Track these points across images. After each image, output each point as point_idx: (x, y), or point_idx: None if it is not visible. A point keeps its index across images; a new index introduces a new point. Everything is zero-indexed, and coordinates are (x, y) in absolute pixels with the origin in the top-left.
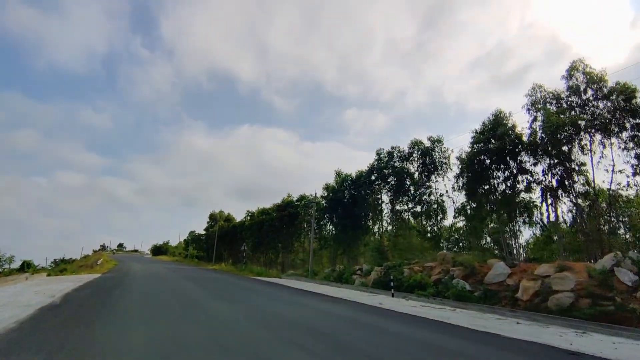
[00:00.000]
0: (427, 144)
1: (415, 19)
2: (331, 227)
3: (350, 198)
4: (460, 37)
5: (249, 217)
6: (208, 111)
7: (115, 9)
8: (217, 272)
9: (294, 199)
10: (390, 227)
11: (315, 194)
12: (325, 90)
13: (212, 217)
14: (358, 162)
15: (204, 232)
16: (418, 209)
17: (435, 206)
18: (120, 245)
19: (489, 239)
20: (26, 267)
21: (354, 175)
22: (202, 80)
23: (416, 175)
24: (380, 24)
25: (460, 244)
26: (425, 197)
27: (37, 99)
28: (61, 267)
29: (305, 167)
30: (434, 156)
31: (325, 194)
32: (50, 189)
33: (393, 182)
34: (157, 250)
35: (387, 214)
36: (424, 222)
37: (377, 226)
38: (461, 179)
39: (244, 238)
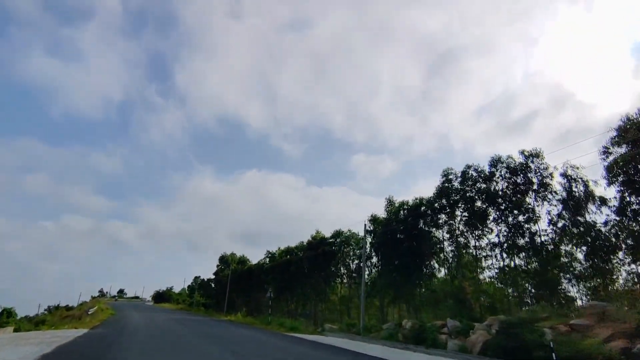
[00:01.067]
0: (519, 158)
1: (421, 68)
2: (378, 268)
3: (406, 231)
4: (465, 85)
5: (268, 259)
6: (217, 156)
7: (133, 59)
8: (237, 326)
9: (326, 236)
10: (457, 267)
11: (364, 231)
12: (333, 136)
13: (223, 260)
14: (365, 207)
15: (213, 277)
16: (520, 241)
17: (544, 238)
18: (121, 292)
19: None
20: (6, 316)
21: (410, 202)
22: (212, 125)
23: (500, 199)
24: (387, 72)
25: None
26: (526, 225)
27: (50, 143)
28: (40, 318)
29: (312, 212)
30: (529, 175)
31: (371, 228)
32: (56, 233)
33: (468, 209)
34: (160, 297)
35: (454, 251)
36: (529, 259)
37: (443, 266)
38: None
39: (265, 282)
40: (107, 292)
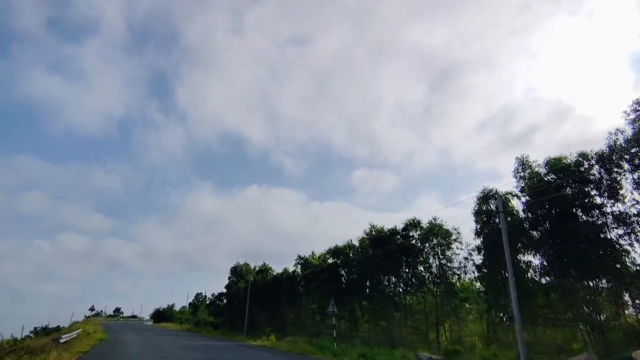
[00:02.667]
0: None
1: (422, 84)
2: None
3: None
4: (466, 100)
5: (299, 265)
6: (217, 172)
7: (135, 77)
8: (288, 358)
9: (397, 228)
10: None
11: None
12: (334, 152)
13: (236, 271)
14: (367, 222)
15: (225, 291)
16: None
17: None
18: (117, 310)
19: None
20: None
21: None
22: (212, 143)
23: None
24: (388, 88)
25: None
26: None
27: (49, 160)
28: None
29: (313, 230)
30: None
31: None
32: (52, 253)
33: None
34: (160, 315)
35: None
36: None
37: None
38: None
39: (300, 294)
40: (102, 312)
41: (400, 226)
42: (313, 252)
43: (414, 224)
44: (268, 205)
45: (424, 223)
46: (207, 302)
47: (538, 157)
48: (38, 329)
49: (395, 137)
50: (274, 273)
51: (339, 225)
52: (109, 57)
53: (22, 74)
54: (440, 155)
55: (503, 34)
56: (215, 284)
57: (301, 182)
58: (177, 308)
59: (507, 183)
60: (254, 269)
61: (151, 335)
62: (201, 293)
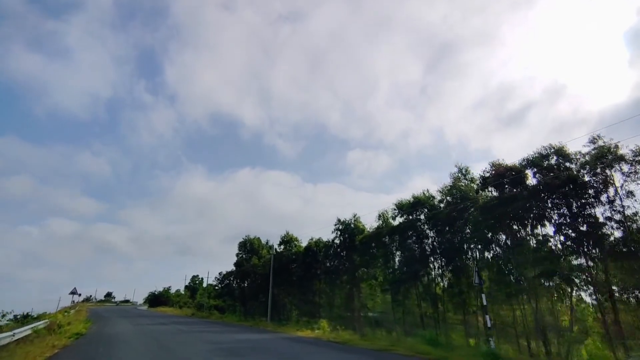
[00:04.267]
0: None
1: (419, 63)
2: None
3: None
4: (463, 78)
5: (339, 232)
6: (209, 155)
7: (122, 55)
8: None
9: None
10: None
11: None
12: (328, 133)
13: (245, 247)
14: (361, 204)
15: (234, 269)
16: None
17: None
18: (109, 295)
19: None
20: None
21: None
22: (204, 124)
23: None
24: (385, 69)
25: None
26: None
27: (34, 142)
28: None
29: (306, 212)
30: None
31: None
32: (40, 238)
33: None
34: (155, 299)
35: None
36: None
37: None
38: None
39: (346, 268)
40: (92, 296)
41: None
42: (356, 215)
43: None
44: (261, 188)
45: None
46: (210, 284)
47: None
48: (18, 316)
49: (390, 117)
50: (301, 245)
51: (333, 207)
52: (94, 34)
53: (1, 51)
54: (434, 136)
55: (505, 6)
56: (210, 268)
57: (295, 164)
58: (175, 291)
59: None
60: (266, 243)
61: (150, 324)
62: (197, 275)
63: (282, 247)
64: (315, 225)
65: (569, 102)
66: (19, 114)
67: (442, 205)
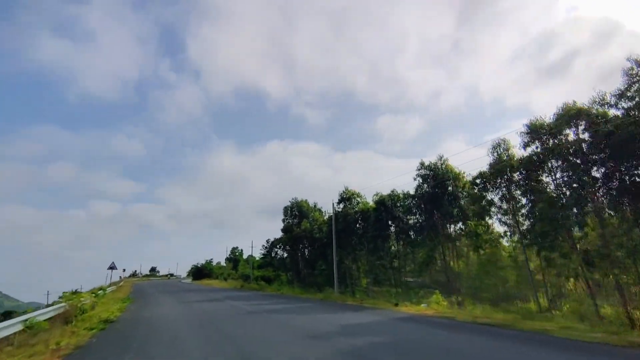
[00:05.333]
0: None
1: (451, 15)
2: None
3: None
4: (499, 29)
5: (420, 178)
6: (236, 130)
7: (144, 34)
8: None
9: None
10: None
11: None
12: (356, 99)
13: (291, 212)
14: (391, 170)
15: (282, 236)
16: None
17: None
18: (153, 270)
19: None
20: None
21: None
22: (229, 99)
23: None
24: (413, 25)
25: None
26: None
27: (71, 129)
28: None
29: (336, 182)
30: None
31: None
32: (87, 221)
33: None
34: (199, 272)
35: None
36: None
37: None
38: None
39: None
40: (137, 272)
41: None
42: (443, 157)
43: None
44: (290, 160)
45: None
46: (251, 255)
47: None
48: (66, 292)
49: (420, 77)
50: (366, 201)
51: (363, 174)
52: (115, 14)
53: (28, 40)
54: (468, 94)
55: None
56: (245, 240)
57: (323, 134)
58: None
59: None
60: (314, 206)
61: (201, 301)
62: (237, 247)
63: (340, 205)
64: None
65: (622, 44)
66: (54, 102)
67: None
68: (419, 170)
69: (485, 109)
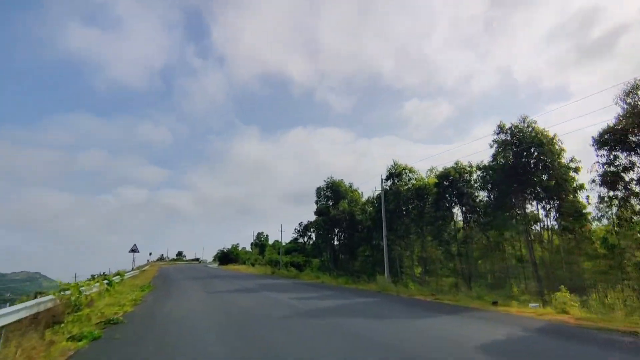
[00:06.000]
0: None
1: None
2: None
3: None
4: (535, 7)
5: (497, 145)
6: (260, 116)
7: (170, 20)
8: None
9: None
10: None
11: None
12: (382, 84)
13: (324, 193)
14: (417, 156)
15: (316, 219)
16: None
17: None
18: (180, 254)
19: None
20: None
21: None
22: (254, 85)
23: None
24: (442, 5)
25: None
26: None
27: (100, 116)
28: None
29: (360, 168)
30: None
31: None
32: (116, 206)
33: None
34: (225, 257)
35: None
36: None
37: None
38: None
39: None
40: (163, 256)
41: None
42: (527, 118)
43: None
44: (314, 146)
45: None
46: (277, 240)
47: None
48: (95, 275)
49: (449, 59)
50: (422, 176)
51: (388, 161)
52: (142, 0)
53: (59, 29)
54: (500, 76)
55: None
56: (269, 226)
57: (347, 119)
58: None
59: None
60: (350, 186)
61: (232, 291)
62: (262, 232)
63: (388, 182)
64: (371, 179)
65: None
66: (84, 90)
67: None
68: (497, 134)
69: (518, 92)
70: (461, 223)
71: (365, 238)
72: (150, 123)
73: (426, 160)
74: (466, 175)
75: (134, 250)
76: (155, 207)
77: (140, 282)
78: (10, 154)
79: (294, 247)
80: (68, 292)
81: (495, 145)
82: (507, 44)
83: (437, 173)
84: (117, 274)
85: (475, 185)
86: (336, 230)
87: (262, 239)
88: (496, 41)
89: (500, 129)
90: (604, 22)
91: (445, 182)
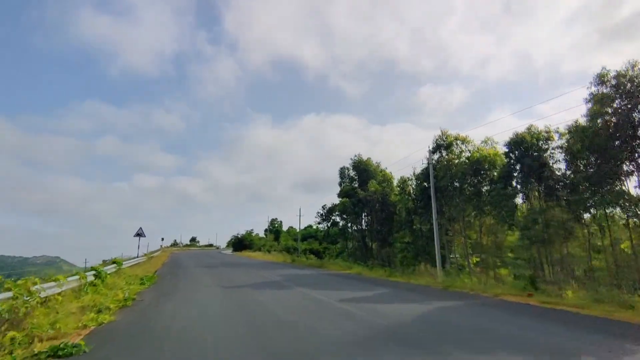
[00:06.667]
0: None
1: None
2: None
3: None
4: None
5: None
6: (272, 103)
7: (182, 6)
8: None
9: None
10: None
11: None
12: (396, 69)
13: (347, 174)
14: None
15: (339, 201)
16: None
17: None
18: (193, 240)
19: None
20: None
21: None
22: (266, 71)
23: None
24: None
25: None
26: None
27: (114, 103)
28: None
29: (373, 155)
30: None
31: None
32: (131, 193)
33: None
34: (239, 243)
35: None
36: None
37: None
38: None
39: None
40: (176, 241)
41: None
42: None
43: None
44: (326, 133)
45: None
46: (292, 227)
47: None
48: (107, 260)
49: (466, 43)
50: (482, 148)
51: (401, 148)
52: None
53: (73, 17)
54: (519, 60)
55: None
56: (281, 213)
57: (361, 105)
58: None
59: None
60: (378, 166)
61: (259, 288)
62: (276, 219)
63: (435, 156)
64: (384, 166)
65: None
66: (98, 77)
67: None
68: (596, 85)
69: (537, 76)
70: (536, 202)
71: (403, 222)
72: (163, 110)
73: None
74: (543, 143)
75: (139, 234)
76: (169, 194)
77: (142, 272)
78: (31, 143)
79: (309, 233)
80: (7, 295)
81: (589, 103)
82: (527, 28)
83: (506, 141)
84: (114, 262)
85: (558, 154)
86: (364, 214)
87: (276, 225)
88: (515, 24)
89: (601, 77)
90: (630, 3)
91: (516, 152)
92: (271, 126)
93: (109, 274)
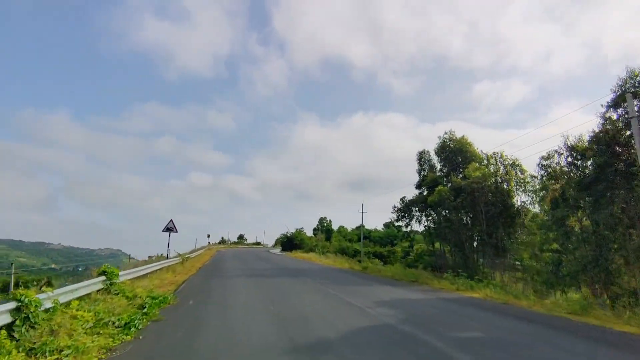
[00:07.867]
0: None
1: None
2: None
3: None
4: None
5: None
6: (321, 102)
7: (235, 9)
8: None
9: None
10: None
11: None
12: (449, 65)
13: (424, 159)
14: (485, 141)
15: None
16: None
17: None
18: (241, 237)
19: None
20: None
21: None
22: (314, 71)
23: None
24: None
25: None
26: None
27: (171, 104)
28: None
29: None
30: None
31: None
32: (185, 190)
33: None
34: (289, 242)
35: None
36: None
37: None
38: None
39: None
40: (224, 238)
41: None
42: None
43: None
44: (375, 132)
45: None
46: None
47: None
48: (160, 254)
49: (527, 35)
50: None
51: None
52: None
53: (135, 23)
54: (587, 51)
55: None
56: (328, 212)
57: (410, 104)
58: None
59: None
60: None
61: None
62: (325, 217)
63: (613, 113)
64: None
65: None
66: (157, 80)
67: None
68: None
69: (609, 69)
70: None
71: (557, 219)
72: (215, 110)
73: (502, 146)
74: None
75: (169, 229)
76: (219, 191)
77: (158, 285)
78: (98, 142)
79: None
80: None
81: None
82: (597, 15)
83: None
84: (103, 271)
85: None
86: (464, 210)
87: (325, 224)
88: (584, 11)
89: None
90: None
91: None
92: (319, 125)
93: (76, 299)
